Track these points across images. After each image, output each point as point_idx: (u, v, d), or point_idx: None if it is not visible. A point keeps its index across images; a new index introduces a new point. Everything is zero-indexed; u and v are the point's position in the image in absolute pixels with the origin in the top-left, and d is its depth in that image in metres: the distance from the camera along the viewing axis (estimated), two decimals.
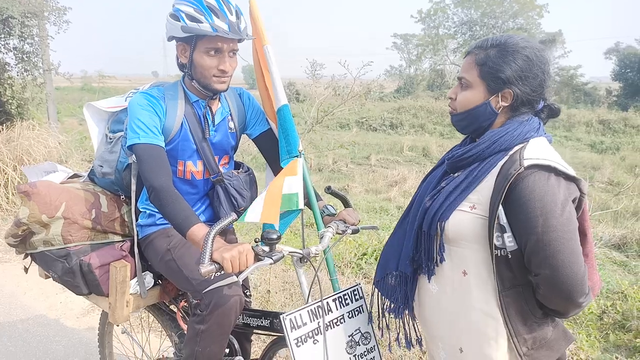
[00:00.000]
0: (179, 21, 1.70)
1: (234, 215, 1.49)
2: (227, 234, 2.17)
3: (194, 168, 1.92)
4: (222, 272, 1.45)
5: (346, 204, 1.94)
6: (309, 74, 10.40)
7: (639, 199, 8.85)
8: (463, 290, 1.40)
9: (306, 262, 1.62)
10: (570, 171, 1.27)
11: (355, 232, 1.81)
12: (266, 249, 1.51)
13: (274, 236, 1.50)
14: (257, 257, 1.48)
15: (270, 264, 1.46)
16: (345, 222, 1.83)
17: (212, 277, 1.69)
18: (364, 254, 4.58)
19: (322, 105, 9.94)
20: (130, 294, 1.94)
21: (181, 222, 1.56)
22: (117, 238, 2.04)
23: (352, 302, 1.70)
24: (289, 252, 1.55)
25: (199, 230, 1.53)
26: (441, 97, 25.84)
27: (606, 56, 28.35)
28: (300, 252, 1.58)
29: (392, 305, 1.61)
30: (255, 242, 1.52)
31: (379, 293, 1.67)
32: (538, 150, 1.32)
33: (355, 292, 1.72)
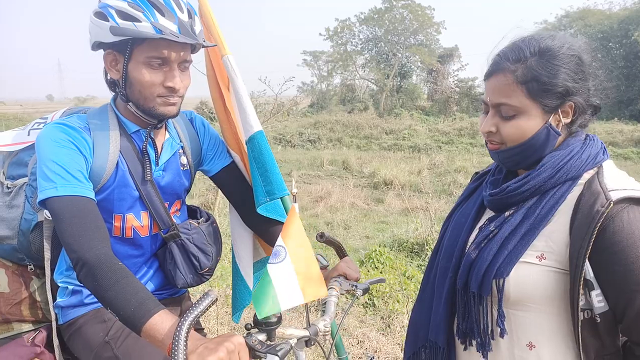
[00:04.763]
0: (107, 20, 1.22)
1: (213, 294, 1.03)
2: (183, 302, 1.65)
3: (137, 222, 1.41)
4: None
5: (342, 252, 1.53)
6: None
7: None
8: None
9: (313, 344, 1.20)
10: None
11: (365, 291, 1.40)
12: (263, 337, 1.07)
13: (273, 319, 1.07)
14: (255, 354, 1.03)
15: None
16: (347, 278, 1.43)
17: None
18: None
19: None
20: None
21: (133, 311, 1.04)
22: (27, 327, 1.44)
23: None
24: (298, 339, 1.11)
25: (162, 321, 1.02)
26: (354, 110, 26.46)
27: None
28: (308, 333, 1.16)
29: None
30: (247, 329, 1.08)
31: None
32: (619, 177, 1.05)
33: None
